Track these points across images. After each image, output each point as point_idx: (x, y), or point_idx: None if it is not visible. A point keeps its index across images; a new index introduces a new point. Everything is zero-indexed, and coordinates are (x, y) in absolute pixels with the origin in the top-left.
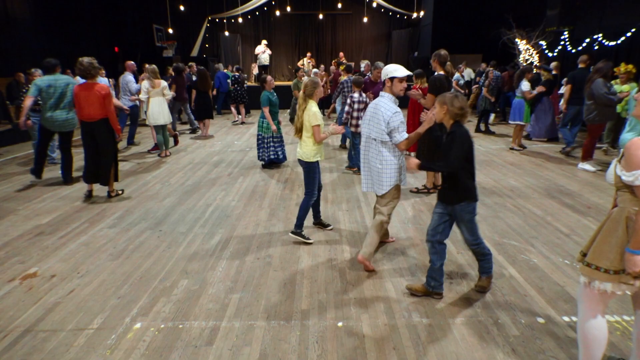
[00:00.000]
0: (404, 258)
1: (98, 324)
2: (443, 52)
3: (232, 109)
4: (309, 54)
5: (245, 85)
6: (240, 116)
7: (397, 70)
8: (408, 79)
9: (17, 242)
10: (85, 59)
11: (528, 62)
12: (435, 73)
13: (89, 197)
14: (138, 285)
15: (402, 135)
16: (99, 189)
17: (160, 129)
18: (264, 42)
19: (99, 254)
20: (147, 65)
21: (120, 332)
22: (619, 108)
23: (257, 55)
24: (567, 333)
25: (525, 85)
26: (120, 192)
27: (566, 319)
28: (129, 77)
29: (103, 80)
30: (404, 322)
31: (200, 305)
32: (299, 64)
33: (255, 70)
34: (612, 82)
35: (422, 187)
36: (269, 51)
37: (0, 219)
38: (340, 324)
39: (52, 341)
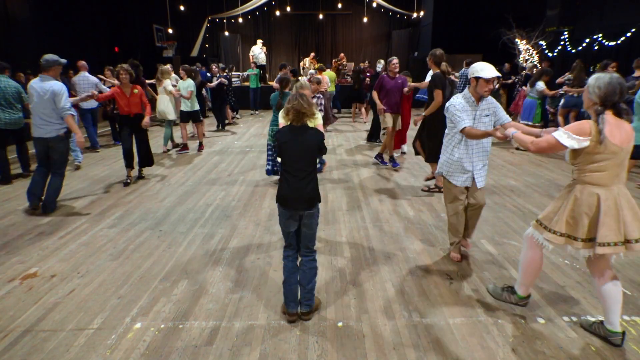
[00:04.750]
0: (403, 258)
1: (98, 324)
2: (438, 52)
3: (228, 110)
4: (312, 54)
5: (231, 85)
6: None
7: (484, 69)
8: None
9: (17, 242)
10: (125, 65)
11: (528, 62)
12: (430, 71)
13: (128, 183)
14: (138, 285)
15: (458, 126)
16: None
17: (167, 123)
18: (260, 41)
19: (99, 254)
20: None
21: (120, 332)
22: None
23: (252, 55)
24: (567, 333)
25: (540, 85)
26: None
27: (566, 319)
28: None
29: (85, 76)
30: (404, 322)
31: (200, 305)
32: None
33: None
34: None
35: (434, 186)
36: (264, 50)
37: (0, 219)
38: (340, 324)
39: (52, 341)
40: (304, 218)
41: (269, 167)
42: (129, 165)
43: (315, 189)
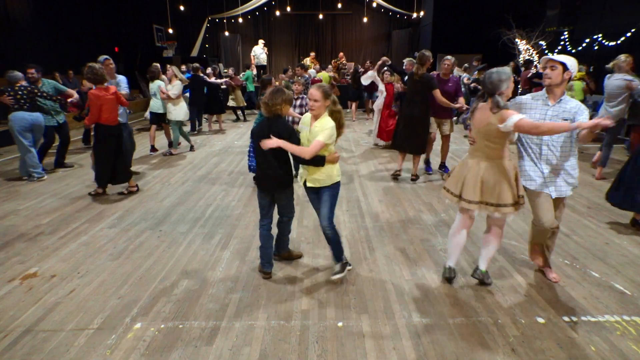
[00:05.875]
0: (403, 258)
1: (98, 324)
2: (417, 53)
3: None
4: (313, 54)
5: (220, 88)
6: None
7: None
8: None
9: (17, 242)
10: (97, 65)
11: (527, 61)
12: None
13: (97, 195)
14: (138, 285)
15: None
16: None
17: (174, 124)
18: (262, 41)
19: (99, 254)
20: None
21: (120, 332)
22: None
23: (254, 56)
24: (567, 333)
25: None
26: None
27: (566, 319)
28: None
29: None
30: (404, 322)
31: (200, 305)
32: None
33: (254, 71)
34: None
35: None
36: (266, 51)
37: (0, 219)
38: (340, 324)
39: (52, 341)
40: (276, 194)
41: (250, 164)
42: (106, 185)
43: (285, 174)
